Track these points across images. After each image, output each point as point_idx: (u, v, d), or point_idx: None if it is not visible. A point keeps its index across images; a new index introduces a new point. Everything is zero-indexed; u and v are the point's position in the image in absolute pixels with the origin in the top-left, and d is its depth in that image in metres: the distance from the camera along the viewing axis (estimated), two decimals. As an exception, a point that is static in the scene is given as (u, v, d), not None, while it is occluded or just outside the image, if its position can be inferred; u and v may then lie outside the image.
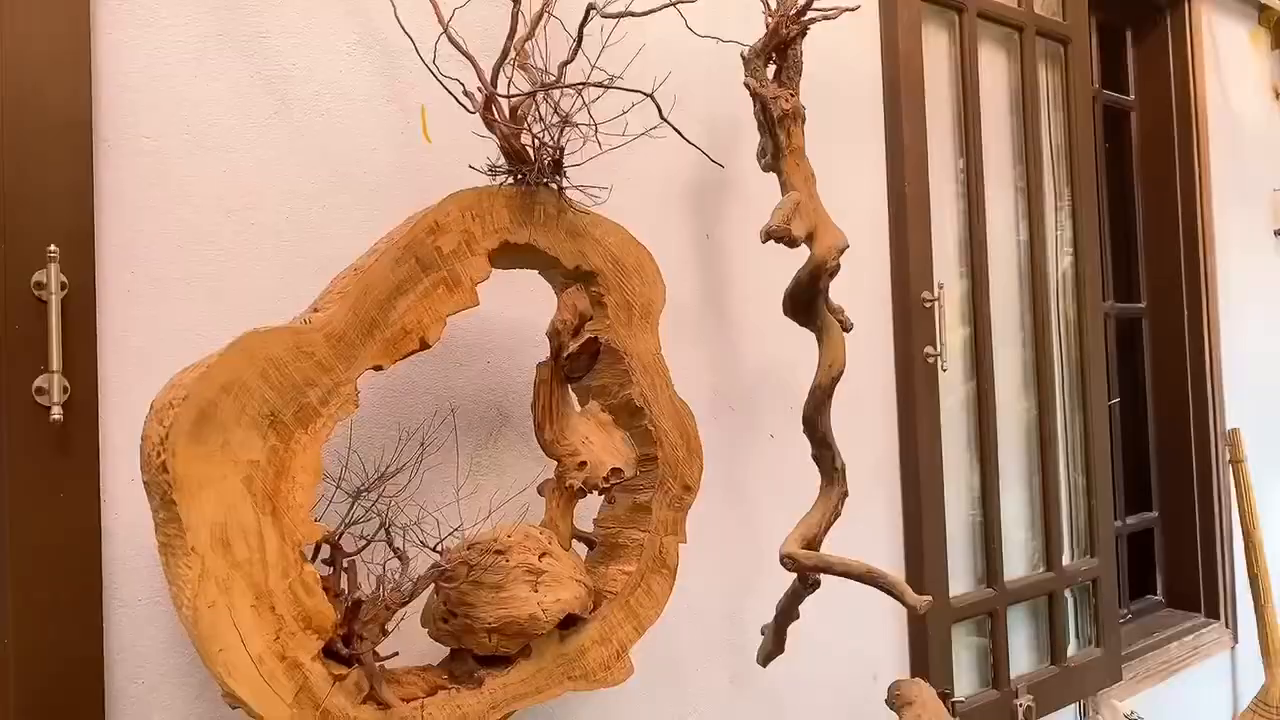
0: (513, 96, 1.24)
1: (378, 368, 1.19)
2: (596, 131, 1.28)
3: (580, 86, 1.20)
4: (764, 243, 1.45)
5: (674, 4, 1.25)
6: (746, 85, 1.52)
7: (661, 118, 1.20)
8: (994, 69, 2.52)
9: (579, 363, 1.31)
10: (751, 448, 1.97)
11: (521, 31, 1.28)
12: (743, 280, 1.95)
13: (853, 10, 1.44)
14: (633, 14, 1.22)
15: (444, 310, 1.23)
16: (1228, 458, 3.30)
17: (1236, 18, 3.43)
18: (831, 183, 1.84)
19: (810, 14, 1.54)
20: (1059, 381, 2.69)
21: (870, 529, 2.18)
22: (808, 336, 1.70)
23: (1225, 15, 3.37)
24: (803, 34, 1.54)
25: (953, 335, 2.40)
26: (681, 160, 1.83)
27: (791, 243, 1.48)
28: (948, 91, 2.40)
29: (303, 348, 1.12)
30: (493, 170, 1.26)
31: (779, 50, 1.57)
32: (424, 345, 1.22)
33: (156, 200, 1.31)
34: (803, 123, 1.58)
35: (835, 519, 1.62)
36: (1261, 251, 3.54)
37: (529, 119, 1.30)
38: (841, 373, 1.63)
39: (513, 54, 1.33)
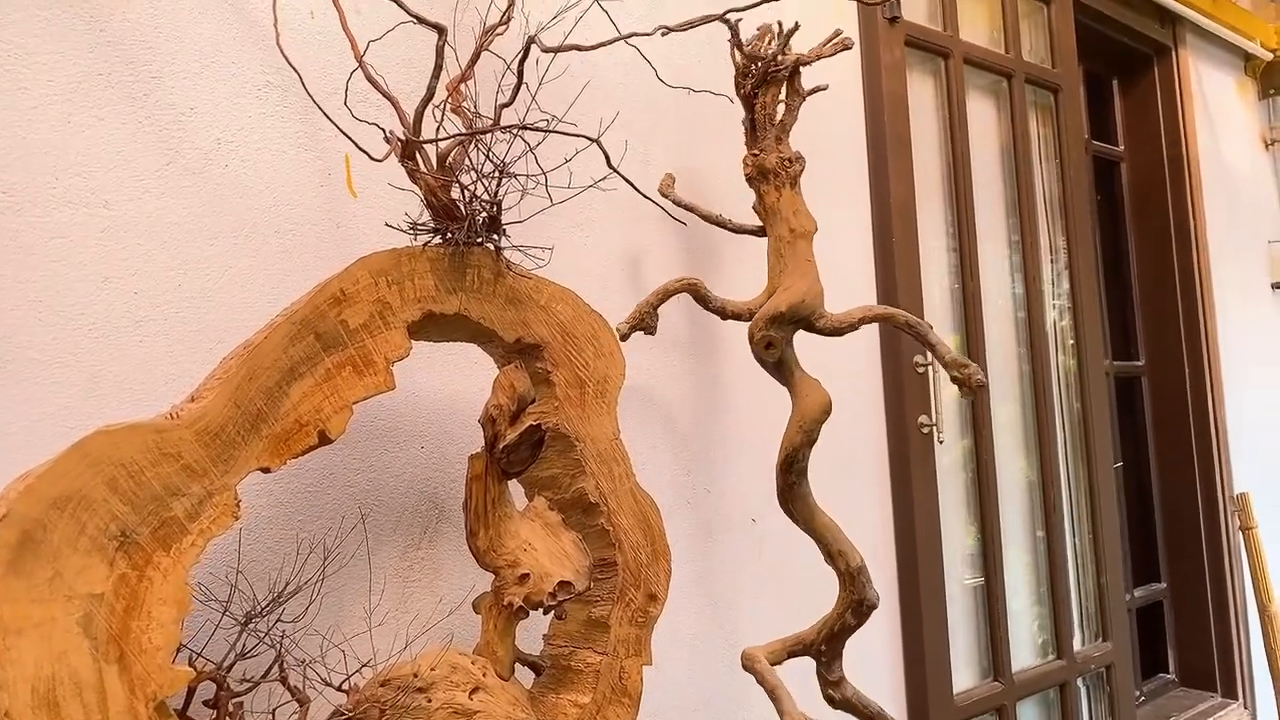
0: (441, 139, 1.04)
1: (265, 469, 0.97)
2: (547, 184, 1.08)
3: (515, 129, 1.01)
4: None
5: (624, 38, 1.07)
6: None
7: (609, 166, 1.01)
8: (982, 118, 2.38)
9: (519, 454, 1.10)
10: (730, 536, 1.75)
11: (452, 68, 1.09)
12: (720, 347, 1.75)
13: (845, 48, 1.26)
14: (579, 48, 1.05)
15: (350, 396, 1.02)
16: (1237, 524, 3.11)
17: (1223, 67, 3.34)
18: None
19: (787, 57, 1.37)
20: (1061, 443, 2.50)
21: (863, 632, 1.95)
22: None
23: (1212, 64, 3.27)
24: (783, 80, 1.36)
25: (948, 393, 2.21)
26: (647, 215, 1.65)
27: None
28: (935, 141, 2.25)
29: (166, 449, 0.90)
30: (414, 229, 1.06)
31: (748, 100, 1.39)
32: (324, 440, 1.01)
33: (15, 266, 1.09)
34: (781, 181, 1.40)
35: (845, 632, 1.37)
36: (1260, 305, 3.40)
37: (460, 169, 1.10)
38: (815, 430, 1.42)
39: (444, 96, 1.14)
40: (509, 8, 1.08)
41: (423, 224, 1.07)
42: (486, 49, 1.21)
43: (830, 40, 1.31)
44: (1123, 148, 3.16)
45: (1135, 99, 3.13)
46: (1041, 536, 2.38)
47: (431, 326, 1.11)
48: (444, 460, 1.39)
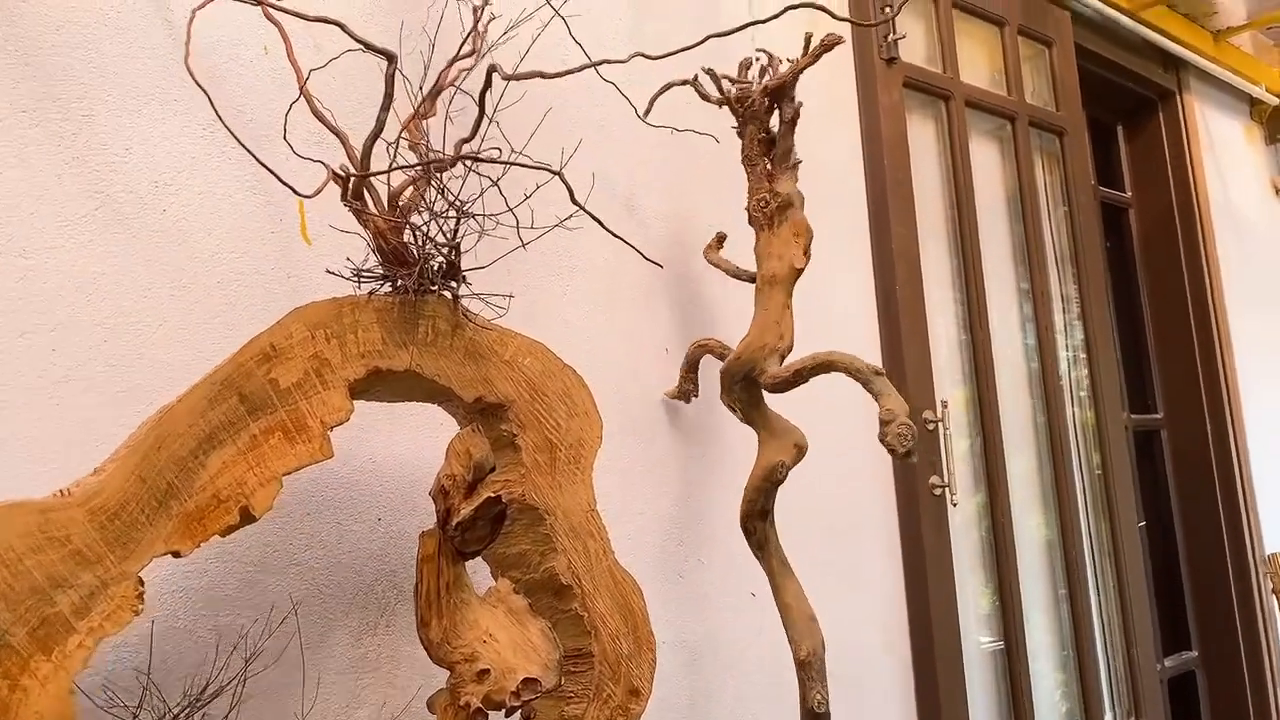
0: (389, 168, 0.93)
1: (175, 554, 0.84)
2: (518, 228, 0.97)
3: (469, 160, 0.90)
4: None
5: (593, 65, 0.96)
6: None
7: (573, 201, 0.89)
8: (986, 162, 2.28)
9: (476, 531, 0.96)
10: (726, 611, 1.60)
11: (404, 102, 0.98)
12: (714, 401, 1.62)
13: (829, 47, 1.16)
14: (542, 74, 0.94)
15: (279, 467, 0.89)
16: (1270, 587, 2.93)
17: (1229, 111, 3.27)
18: (811, 289, 1.54)
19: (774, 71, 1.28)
20: (1081, 500, 2.35)
21: (879, 709, 1.78)
22: (801, 468, 1.38)
23: (1217, 109, 3.20)
24: (762, 114, 1.27)
25: (960, 450, 2.06)
26: (626, 259, 1.53)
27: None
28: (938, 185, 2.15)
29: (51, 532, 0.77)
30: (359, 275, 0.94)
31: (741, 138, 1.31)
32: (248, 518, 0.87)
33: (-89, 322, 0.98)
34: (759, 224, 1.30)
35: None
36: (1280, 355, 3.27)
37: (415, 209, 0.99)
38: (781, 476, 1.32)
39: (402, 132, 1.03)
40: (469, 35, 0.98)
41: (369, 270, 0.95)
42: (455, 85, 1.11)
43: (813, 49, 1.21)
44: (1130, 194, 3.06)
45: (1141, 145, 3.05)
46: (1064, 594, 2.21)
47: (379, 385, 0.98)
48: (404, 535, 1.25)
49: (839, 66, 1.91)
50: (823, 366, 1.28)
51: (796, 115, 1.26)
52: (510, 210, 0.89)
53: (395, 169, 0.90)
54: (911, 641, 1.87)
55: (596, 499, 1.10)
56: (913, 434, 1.19)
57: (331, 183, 1.00)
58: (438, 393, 1.02)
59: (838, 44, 1.18)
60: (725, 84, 1.37)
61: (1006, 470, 2.11)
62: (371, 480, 1.24)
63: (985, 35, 2.24)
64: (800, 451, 1.37)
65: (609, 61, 0.97)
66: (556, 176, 0.84)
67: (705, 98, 1.39)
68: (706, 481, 1.61)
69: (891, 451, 1.17)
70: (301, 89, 0.96)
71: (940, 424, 1.91)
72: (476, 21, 1.07)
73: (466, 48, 1.06)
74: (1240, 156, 3.27)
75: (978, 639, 2.05)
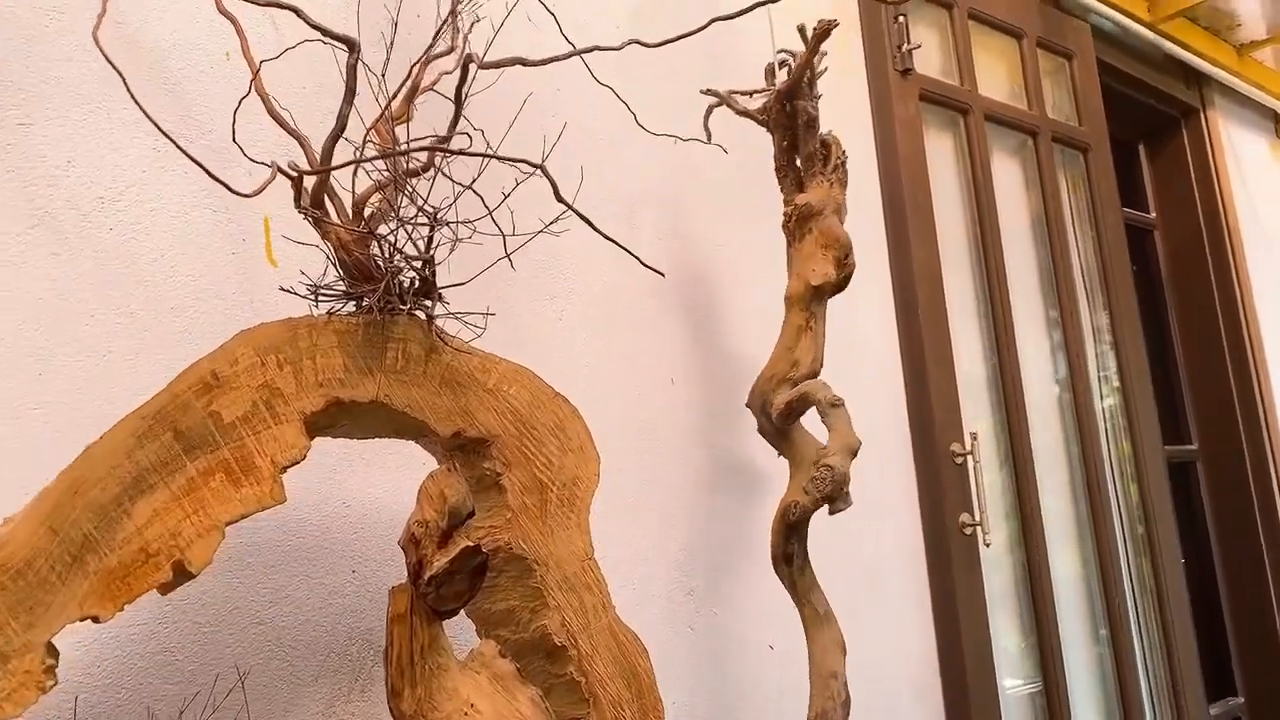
0: (355, 163, 0.82)
1: (94, 619, 0.71)
2: (506, 245, 0.85)
3: (443, 154, 0.79)
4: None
5: (579, 53, 0.86)
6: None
7: (558, 197, 0.77)
8: (1006, 182, 2.17)
9: (452, 586, 0.83)
10: (743, 668, 1.45)
11: (368, 93, 0.87)
12: (730, 426, 1.49)
13: (825, 32, 1.05)
14: (524, 62, 0.83)
15: (222, 513, 0.76)
16: (1321, 627, 2.75)
17: (1254, 128, 3.16)
18: (830, 313, 1.42)
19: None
20: (1120, 538, 2.19)
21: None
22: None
23: (1242, 126, 3.09)
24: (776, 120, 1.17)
25: (991, 485, 1.92)
26: (627, 280, 1.42)
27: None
28: (958, 204, 2.03)
29: (-63, 595, 0.64)
30: (316, 293, 0.83)
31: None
32: (183, 574, 0.75)
33: None
34: (796, 235, 1.19)
35: None
36: (1319, 381, 3.12)
37: (383, 218, 0.87)
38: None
39: (368, 135, 0.92)
40: (442, 26, 0.87)
41: (330, 287, 0.83)
42: (433, 88, 1.01)
43: (810, 40, 1.11)
44: (1155, 215, 2.94)
45: (1165, 163, 2.94)
46: (1105, 635, 2.05)
47: (342, 419, 0.86)
48: (382, 588, 1.12)
49: (851, 78, 1.80)
50: (802, 400, 1.19)
51: (811, 118, 1.15)
52: (489, 214, 0.77)
53: (356, 163, 0.78)
54: (944, 688, 1.72)
55: (594, 546, 0.98)
56: (832, 480, 1.08)
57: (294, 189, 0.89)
58: (410, 427, 0.89)
59: (833, 28, 1.08)
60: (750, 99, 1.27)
61: (1040, 505, 1.96)
62: (345, 527, 1.12)
63: (1002, 47, 2.15)
64: (823, 480, 1.22)
65: (599, 49, 0.86)
66: (538, 170, 0.73)
67: (741, 113, 1.29)
68: (720, 522, 1.47)
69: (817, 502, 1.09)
70: (253, 82, 0.85)
71: (969, 457, 1.77)
72: (454, 13, 0.96)
73: (443, 44, 0.96)
74: (1268, 174, 3.16)
75: (1011, 682, 1.90)
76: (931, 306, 1.79)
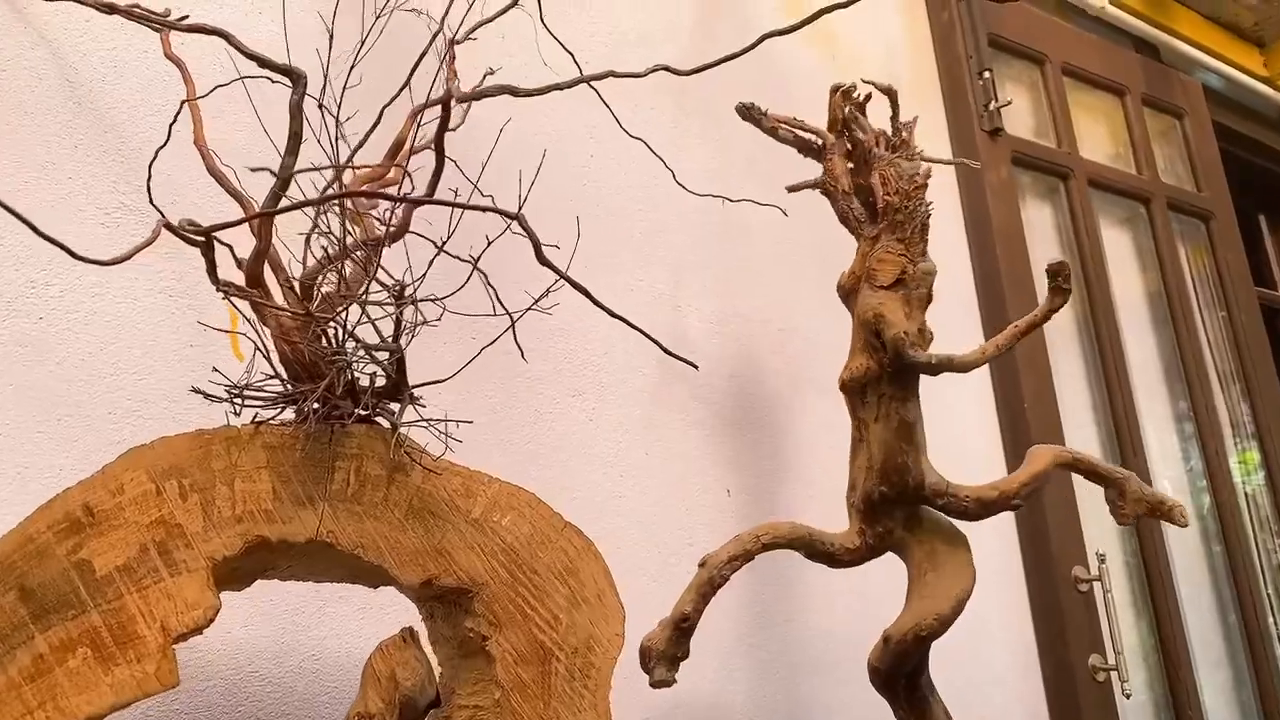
0: (280, 210, 0.62)
1: None
2: (513, 330, 0.64)
3: (397, 203, 0.59)
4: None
5: (587, 80, 0.66)
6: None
7: (539, 257, 0.55)
8: (1115, 256, 1.89)
9: (406, 808, 0.59)
10: None
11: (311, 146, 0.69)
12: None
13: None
14: (512, 91, 0.64)
15: (82, 706, 0.55)
16: None
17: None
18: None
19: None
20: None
21: None
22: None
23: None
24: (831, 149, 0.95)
25: (1127, 618, 1.59)
26: (673, 374, 1.19)
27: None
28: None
29: None
30: (238, 396, 0.63)
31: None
32: (11, 800, 0.53)
33: None
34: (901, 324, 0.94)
35: None
36: None
37: (348, 298, 0.68)
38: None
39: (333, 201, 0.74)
40: (424, 59, 0.69)
41: (260, 386, 0.63)
42: (426, 145, 0.82)
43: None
44: (1284, 292, 2.60)
45: (1292, 235, 2.62)
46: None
47: (264, 562, 0.64)
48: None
49: (932, 139, 1.59)
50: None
51: (866, 153, 0.92)
52: (485, 280, 0.56)
53: (261, 215, 0.59)
54: None
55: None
56: (652, 658, 0.81)
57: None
58: (364, 571, 0.67)
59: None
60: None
61: (1187, 640, 1.62)
62: (313, 686, 0.89)
63: (1102, 106, 1.91)
64: (923, 622, 0.94)
65: (614, 74, 0.66)
66: (514, 220, 0.52)
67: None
68: (790, 690, 1.20)
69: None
70: (198, 140, 0.68)
71: (1096, 584, 1.45)
72: (450, 54, 0.79)
73: (435, 87, 0.78)
74: None
75: None
76: (1039, 400, 1.51)
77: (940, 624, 0.91)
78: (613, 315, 0.60)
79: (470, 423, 0.70)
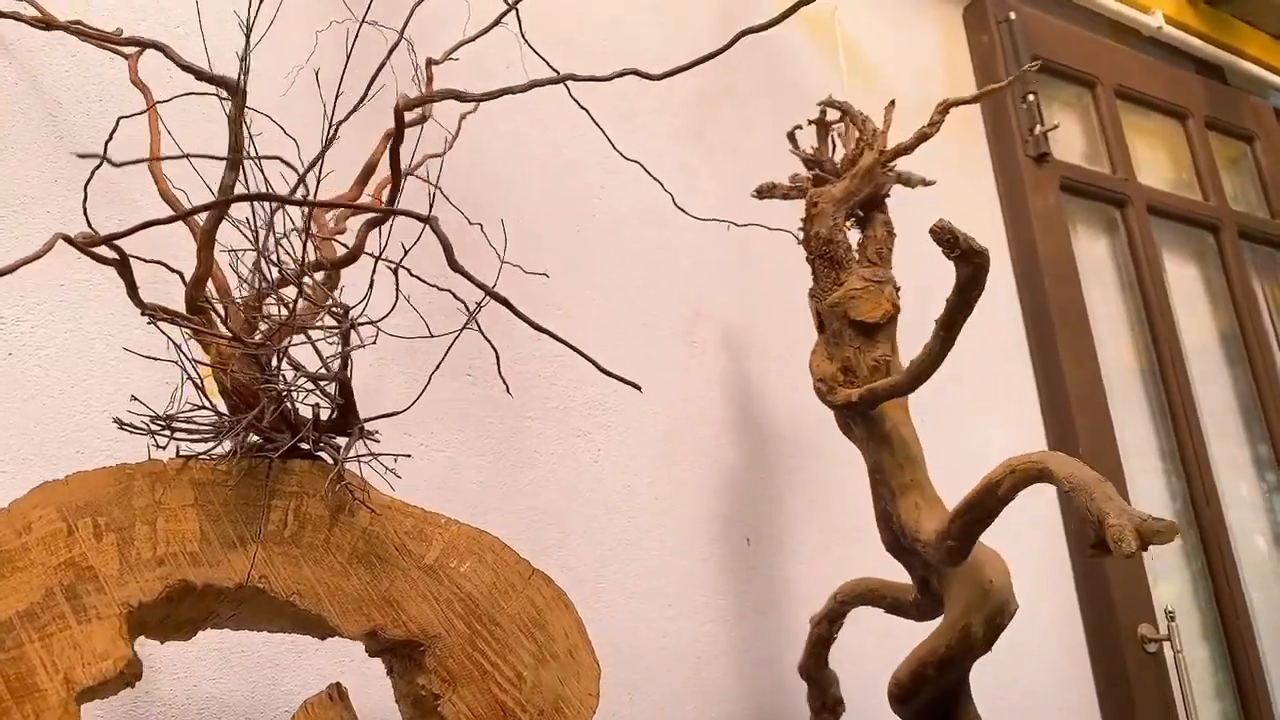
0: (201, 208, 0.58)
1: None
2: (498, 367, 0.58)
3: (319, 208, 0.54)
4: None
5: (562, 80, 0.61)
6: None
7: (452, 264, 0.49)
8: (1179, 290, 1.76)
9: None
10: None
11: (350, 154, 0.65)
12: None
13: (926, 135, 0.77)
14: (460, 96, 0.58)
15: (-35, 769, 0.50)
16: None
17: None
18: (960, 451, 1.08)
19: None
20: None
21: None
22: None
23: None
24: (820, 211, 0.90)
25: (1201, 684, 1.43)
26: (686, 411, 1.12)
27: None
28: (1120, 316, 1.64)
29: None
30: (163, 428, 0.58)
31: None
32: None
33: None
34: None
35: None
36: None
37: (293, 327, 0.63)
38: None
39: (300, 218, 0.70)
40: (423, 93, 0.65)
41: (186, 418, 0.59)
42: (413, 173, 0.79)
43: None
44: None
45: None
46: None
47: (207, 610, 0.59)
48: (323, 834, 0.81)
49: (973, 165, 1.50)
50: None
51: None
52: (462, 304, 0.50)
53: (190, 213, 0.55)
54: None
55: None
56: None
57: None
58: (304, 621, 0.61)
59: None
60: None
61: (1273, 709, 1.45)
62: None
63: (1161, 130, 1.80)
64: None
65: (577, 78, 0.61)
66: (436, 234, 0.46)
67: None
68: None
69: None
70: (153, 151, 0.65)
71: (1166, 644, 1.31)
72: (429, 75, 0.75)
73: (413, 112, 0.74)
74: None
75: None
76: (1097, 442, 1.39)
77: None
78: (543, 331, 0.54)
79: (409, 456, 0.64)
